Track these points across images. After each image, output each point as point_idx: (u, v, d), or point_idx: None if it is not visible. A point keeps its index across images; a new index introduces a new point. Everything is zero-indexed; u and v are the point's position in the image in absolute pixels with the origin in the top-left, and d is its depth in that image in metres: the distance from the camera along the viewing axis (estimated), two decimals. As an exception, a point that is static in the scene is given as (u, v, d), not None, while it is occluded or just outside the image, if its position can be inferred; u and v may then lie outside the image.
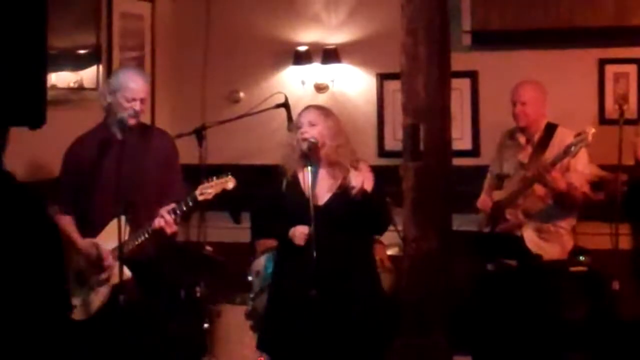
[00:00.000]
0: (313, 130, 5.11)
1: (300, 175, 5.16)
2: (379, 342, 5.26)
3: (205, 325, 6.11)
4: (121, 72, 5.49)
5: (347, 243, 5.14)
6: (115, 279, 5.09)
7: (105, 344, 5.11)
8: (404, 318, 4.61)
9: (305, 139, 5.08)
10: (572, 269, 6.23)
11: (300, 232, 5.06)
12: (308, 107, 5.29)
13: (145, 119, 6.81)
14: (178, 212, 5.20)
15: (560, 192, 5.87)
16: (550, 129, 6.09)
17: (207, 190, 5.16)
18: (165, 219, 5.16)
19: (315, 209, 4.98)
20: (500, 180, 6.26)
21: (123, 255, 4.99)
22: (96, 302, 5.23)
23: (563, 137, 5.97)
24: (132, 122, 5.20)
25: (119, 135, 5.22)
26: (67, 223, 5.29)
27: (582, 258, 6.36)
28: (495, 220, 6.15)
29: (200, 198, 5.17)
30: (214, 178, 5.19)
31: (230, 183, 5.19)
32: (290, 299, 5.15)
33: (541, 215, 6.02)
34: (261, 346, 5.44)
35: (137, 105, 5.20)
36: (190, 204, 5.21)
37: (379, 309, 5.25)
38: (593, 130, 5.64)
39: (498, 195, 6.19)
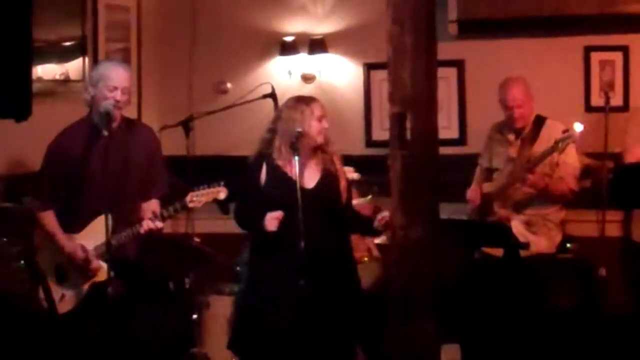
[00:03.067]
0: (326, 123, 5.25)
1: (284, 163, 5.19)
2: (354, 333, 5.33)
3: (194, 316, 6.11)
4: (102, 64, 5.57)
5: (332, 231, 5.18)
6: (98, 277, 5.09)
7: (94, 337, 5.11)
8: (392, 306, 4.60)
9: (323, 131, 5.22)
10: (560, 256, 6.25)
11: (270, 218, 5.09)
12: (315, 100, 5.34)
13: (132, 110, 6.82)
14: (165, 215, 5.22)
15: (540, 190, 5.92)
16: (539, 121, 6.11)
17: (199, 198, 5.17)
18: (155, 225, 5.19)
19: (304, 192, 5.02)
20: (490, 173, 6.29)
21: (109, 253, 4.98)
22: (75, 298, 5.22)
23: (551, 129, 6.00)
24: (116, 112, 5.18)
25: (103, 129, 5.19)
26: (50, 219, 5.27)
27: (569, 245, 6.39)
28: (484, 212, 6.17)
29: (190, 205, 5.19)
30: (206, 186, 5.19)
31: (222, 193, 5.20)
32: (276, 292, 5.16)
33: (529, 208, 6.05)
34: (234, 346, 5.44)
35: (118, 95, 5.18)
36: (180, 209, 5.24)
37: (358, 300, 5.33)
38: (581, 128, 5.67)
39: (487, 187, 6.22)
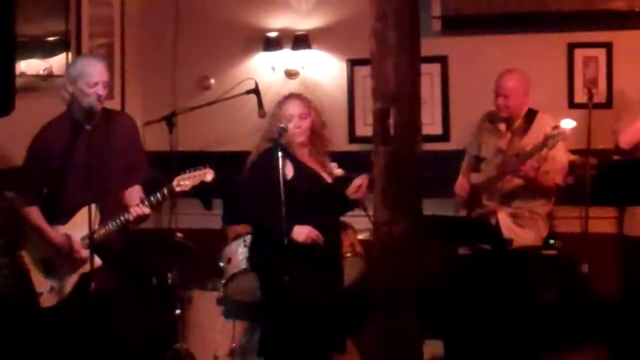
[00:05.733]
0: (306, 123, 5.33)
1: (301, 158, 5.24)
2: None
3: (177, 311, 6.11)
4: (78, 60, 5.55)
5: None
6: (85, 268, 5.07)
7: (77, 332, 5.10)
8: (375, 303, 4.61)
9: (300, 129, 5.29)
10: (543, 252, 6.27)
11: (305, 231, 5.18)
12: (292, 97, 5.35)
13: (116, 106, 6.81)
14: (153, 201, 5.20)
15: (530, 180, 5.94)
16: (531, 115, 6.13)
17: (185, 182, 5.15)
18: (143, 211, 5.17)
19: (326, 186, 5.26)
20: (478, 162, 6.30)
21: (94, 243, 4.98)
22: (64, 290, 5.21)
23: (542, 123, 6.02)
24: (99, 107, 5.18)
25: (84, 123, 5.18)
26: (36, 214, 5.26)
27: (552, 242, 6.41)
28: (472, 204, 6.18)
29: (177, 189, 5.17)
30: (192, 169, 5.17)
31: (208, 175, 5.18)
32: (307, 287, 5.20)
33: (517, 201, 6.06)
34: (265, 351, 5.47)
35: (100, 90, 5.18)
36: (167, 194, 5.22)
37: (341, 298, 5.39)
38: (573, 124, 5.69)
39: (475, 178, 6.23)
